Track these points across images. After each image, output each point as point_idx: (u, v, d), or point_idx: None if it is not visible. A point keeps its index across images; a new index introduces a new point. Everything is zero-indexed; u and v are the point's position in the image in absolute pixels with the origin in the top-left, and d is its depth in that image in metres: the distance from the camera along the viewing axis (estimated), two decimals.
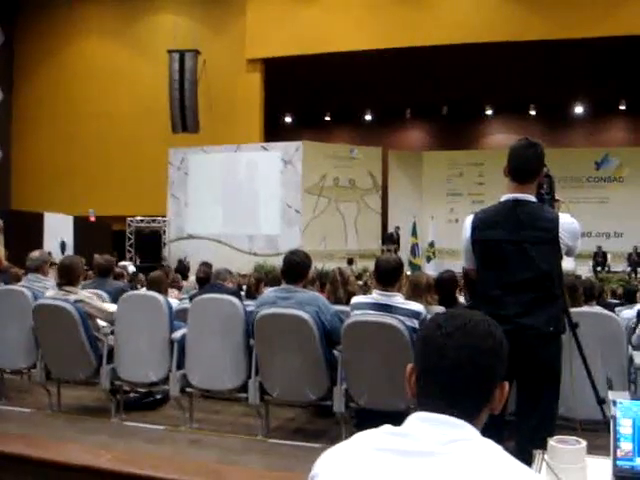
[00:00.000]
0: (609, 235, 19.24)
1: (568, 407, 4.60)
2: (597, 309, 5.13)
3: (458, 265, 8.32)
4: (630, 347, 5.05)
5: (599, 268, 19.23)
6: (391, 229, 21.90)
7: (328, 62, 19.37)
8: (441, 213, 22.49)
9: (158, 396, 6.11)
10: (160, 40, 21.17)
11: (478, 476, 1.39)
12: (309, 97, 22.25)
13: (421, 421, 1.51)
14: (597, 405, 4.20)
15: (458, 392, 1.52)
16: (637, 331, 5.61)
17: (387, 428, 1.52)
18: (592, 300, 5.57)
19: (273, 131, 22.12)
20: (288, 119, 25.16)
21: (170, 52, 20.52)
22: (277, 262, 17.35)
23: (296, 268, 5.18)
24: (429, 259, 21.88)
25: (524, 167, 3.79)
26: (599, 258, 19.55)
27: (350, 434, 4.50)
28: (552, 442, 2.25)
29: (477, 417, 1.53)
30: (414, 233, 21.79)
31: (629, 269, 19.38)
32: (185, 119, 20.51)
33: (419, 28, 18.41)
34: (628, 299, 9.93)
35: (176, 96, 20.40)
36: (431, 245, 21.93)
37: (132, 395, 6.17)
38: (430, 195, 22.93)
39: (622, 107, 21.81)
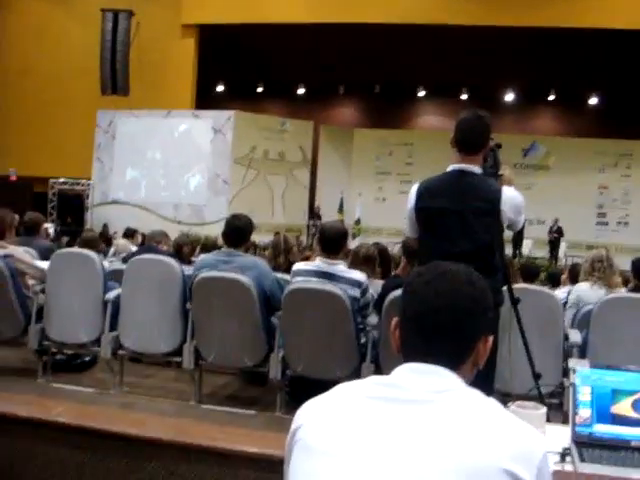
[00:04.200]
0: (532, 222, 19.59)
1: (505, 382, 4.66)
2: (536, 286, 5.21)
3: (384, 243, 8.33)
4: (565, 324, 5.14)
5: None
6: (319, 204, 21.88)
7: (264, 32, 19.12)
8: (369, 191, 22.57)
9: (87, 358, 5.95)
10: None
11: (472, 423, 1.38)
12: (243, 67, 21.96)
13: (408, 372, 1.49)
14: (533, 379, 4.28)
15: (439, 339, 1.51)
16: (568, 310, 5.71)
17: (375, 378, 1.52)
18: (530, 280, 5.67)
19: (204, 99, 21.77)
20: (220, 88, 24.78)
21: (103, 11, 19.90)
22: (202, 232, 17.23)
23: (238, 232, 5.11)
24: (354, 236, 21.88)
25: (470, 138, 3.81)
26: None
27: (284, 402, 4.47)
28: (513, 407, 2.25)
29: (461, 367, 1.52)
30: (341, 209, 21.81)
31: (549, 255, 19.79)
32: (115, 81, 19.98)
33: (357, 5, 18.29)
34: (552, 282, 10.13)
35: (107, 57, 19.83)
36: (357, 222, 21.96)
37: (59, 357, 5.98)
38: (359, 172, 22.97)
39: (551, 97, 22.21)
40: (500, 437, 1.37)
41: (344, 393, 1.50)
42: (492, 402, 1.46)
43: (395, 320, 1.61)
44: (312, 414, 1.50)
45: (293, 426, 1.52)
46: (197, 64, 20.80)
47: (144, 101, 19.71)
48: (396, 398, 1.43)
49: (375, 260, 5.66)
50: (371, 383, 1.50)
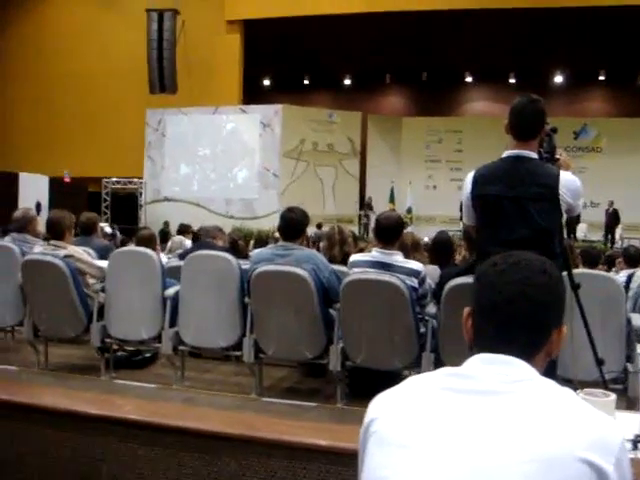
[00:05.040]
0: (585, 205, 19.26)
1: (566, 368, 4.60)
2: (596, 271, 5.13)
3: (433, 231, 8.28)
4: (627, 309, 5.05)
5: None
6: (369, 194, 21.83)
7: (309, 25, 19.15)
8: (419, 179, 22.46)
9: (147, 354, 6.02)
10: None
11: (547, 413, 1.37)
12: (289, 61, 22.02)
13: (481, 362, 1.48)
14: (596, 366, 4.22)
15: (513, 329, 1.49)
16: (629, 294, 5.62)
17: (446, 370, 1.50)
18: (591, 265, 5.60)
19: (251, 94, 21.90)
20: (267, 82, 24.91)
21: (148, 11, 20.15)
22: (254, 226, 17.32)
23: (294, 225, 5.11)
24: (406, 225, 21.83)
25: (525, 124, 3.76)
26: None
27: (344, 393, 4.47)
28: (582, 394, 2.22)
29: (535, 358, 1.50)
30: (392, 199, 21.75)
31: (603, 239, 19.50)
32: (163, 80, 20.22)
33: None
34: (608, 265, 9.98)
35: (154, 56, 20.07)
36: (409, 211, 21.88)
37: (120, 354, 6.07)
38: (408, 161, 22.86)
39: (601, 77, 21.83)
40: (577, 426, 1.35)
41: (417, 385, 1.49)
42: (568, 392, 1.44)
43: (467, 310, 1.60)
44: (386, 407, 1.48)
45: (366, 419, 1.50)
46: (243, 60, 20.90)
47: (192, 98, 19.90)
48: (470, 389, 1.42)
49: (421, 246, 5.66)
50: (444, 374, 1.48)
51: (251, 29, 20.42)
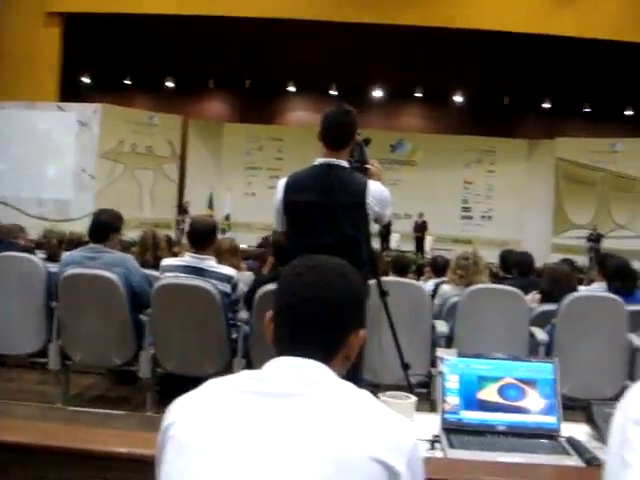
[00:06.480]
0: (400, 216, 19.99)
1: (374, 373, 4.74)
2: (405, 279, 5.33)
3: (252, 238, 8.29)
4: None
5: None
6: (188, 199, 21.61)
7: (132, 23, 18.70)
8: (239, 186, 22.45)
9: None
10: None
11: (342, 415, 1.38)
12: (110, 59, 21.38)
13: (280, 365, 1.48)
14: (402, 370, 4.38)
15: (308, 330, 1.51)
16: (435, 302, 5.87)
17: (246, 373, 1.50)
18: (401, 273, 5.80)
19: (70, 91, 21.04)
20: (87, 80, 24.01)
21: None
22: (69, 228, 16.68)
23: (104, 227, 4.97)
24: (224, 231, 21.70)
25: (336, 133, 3.83)
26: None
27: (154, 400, 4.38)
28: (383, 397, 2.28)
29: (333, 360, 1.51)
30: (210, 205, 21.61)
31: (415, 249, 20.27)
32: None
33: None
34: (418, 274, 10.43)
35: None
36: (227, 218, 21.79)
37: None
38: (228, 167, 22.79)
39: (418, 94, 22.70)
40: (370, 428, 1.37)
41: (216, 388, 1.48)
42: (363, 393, 1.46)
43: (269, 314, 1.60)
44: (184, 410, 1.46)
45: (164, 423, 1.47)
46: (62, 55, 20.09)
47: (6, 92, 18.88)
48: (267, 392, 1.42)
49: (238, 252, 5.68)
50: (243, 377, 1.48)
51: (72, 23, 19.62)
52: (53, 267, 5.21)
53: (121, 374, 5.38)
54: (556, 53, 17.76)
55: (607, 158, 20.10)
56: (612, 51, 16.76)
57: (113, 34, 19.20)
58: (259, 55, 20.04)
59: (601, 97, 20.48)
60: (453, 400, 2.37)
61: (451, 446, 2.21)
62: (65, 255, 5.75)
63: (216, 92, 24.10)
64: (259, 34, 18.52)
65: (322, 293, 1.52)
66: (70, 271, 4.76)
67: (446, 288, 5.81)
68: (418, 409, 2.40)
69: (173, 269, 4.85)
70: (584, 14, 16.33)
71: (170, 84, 23.46)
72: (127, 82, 23.52)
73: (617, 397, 1.43)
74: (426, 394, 4.68)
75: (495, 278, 6.30)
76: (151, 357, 4.84)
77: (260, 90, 22.93)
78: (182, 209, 21.00)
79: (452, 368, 2.40)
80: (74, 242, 7.87)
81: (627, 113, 21.22)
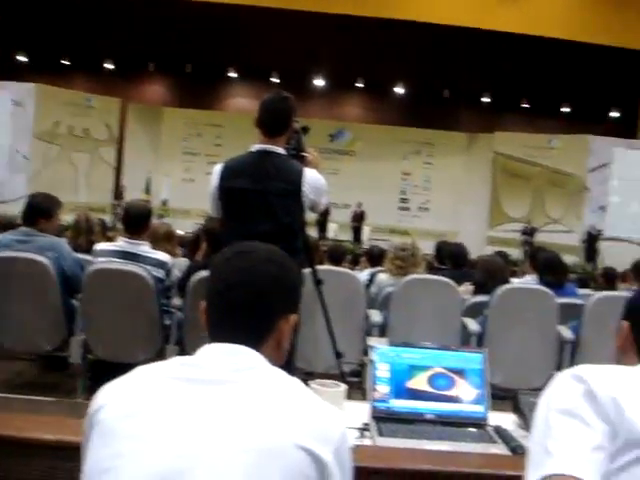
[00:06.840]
0: (338, 206, 20.02)
1: (308, 361, 4.76)
2: (340, 268, 5.35)
3: (189, 224, 8.23)
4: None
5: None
6: (125, 183, 21.31)
7: (70, 2, 18.28)
8: (177, 171, 22.25)
9: None
10: None
11: (270, 402, 1.39)
12: (47, 37, 20.85)
13: (211, 351, 1.49)
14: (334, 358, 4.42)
15: (235, 316, 1.52)
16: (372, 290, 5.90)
17: (178, 359, 1.49)
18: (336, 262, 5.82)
19: (4, 70, 20.53)
20: (23, 58, 23.38)
21: None
22: (0, 210, 16.28)
23: (37, 211, 4.87)
24: (161, 217, 21.45)
25: (274, 119, 3.83)
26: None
27: (85, 387, 4.31)
28: (313, 385, 2.28)
29: (263, 346, 1.51)
30: (148, 190, 21.34)
31: (352, 239, 20.32)
32: None
33: None
34: (354, 264, 10.47)
35: None
36: (164, 203, 21.57)
37: None
38: (167, 152, 22.56)
39: (359, 85, 22.73)
40: (298, 416, 1.37)
41: (147, 374, 1.46)
42: (293, 381, 1.46)
43: (204, 301, 1.60)
44: (113, 395, 1.44)
45: (92, 407, 1.45)
46: None
47: None
48: (198, 378, 1.41)
49: (174, 237, 5.62)
50: (174, 364, 1.47)
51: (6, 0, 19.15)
52: None
53: (52, 360, 5.28)
54: (498, 49, 17.97)
55: (543, 153, 20.52)
56: (552, 49, 17.07)
57: (50, 12, 18.73)
58: (200, 40, 19.78)
59: (539, 93, 20.85)
60: (383, 388, 2.38)
61: (380, 434, 2.23)
62: None
63: (156, 76, 23.75)
64: (201, 18, 18.29)
65: (248, 278, 1.53)
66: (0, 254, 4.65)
67: (383, 277, 5.85)
68: (350, 397, 2.41)
69: (106, 254, 4.77)
70: (527, 11, 16.60)
71: (109, 66, 22.98)
72: (65, 62, 22.95)
73: (545, 387, 1.45)
74: (358, 382, 4.70)
75: (430, 269, 6.36)
76: (82, 343, 4.77)
77: (201, 75, 22.69)
78: (118, 194, 20.69)
79: (383, 357, 2.42)
80: (5, 225, 7.71)
81: (564, 110, 21.66)
